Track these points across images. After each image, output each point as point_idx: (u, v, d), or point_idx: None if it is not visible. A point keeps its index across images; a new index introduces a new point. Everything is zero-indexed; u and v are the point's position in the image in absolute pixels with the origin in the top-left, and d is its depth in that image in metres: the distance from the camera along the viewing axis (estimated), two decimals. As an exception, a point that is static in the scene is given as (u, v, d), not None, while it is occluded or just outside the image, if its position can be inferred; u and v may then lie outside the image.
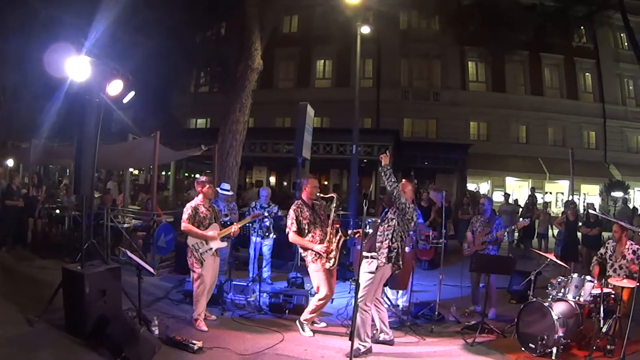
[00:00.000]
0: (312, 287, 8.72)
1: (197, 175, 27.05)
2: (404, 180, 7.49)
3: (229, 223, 8.82)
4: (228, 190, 11.01)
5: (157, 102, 25.74)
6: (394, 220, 6.91)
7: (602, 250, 8.64)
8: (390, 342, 7.19)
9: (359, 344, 6.60)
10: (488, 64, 30.91)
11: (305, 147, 12.77)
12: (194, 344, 6.32)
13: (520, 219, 15.85)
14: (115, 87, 7.47)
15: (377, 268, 6.79)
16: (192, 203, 7.86)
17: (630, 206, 22.16)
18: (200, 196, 7.92)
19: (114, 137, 16.98)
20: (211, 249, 7.71)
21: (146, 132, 12.57)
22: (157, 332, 6.58)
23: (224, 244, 8.12)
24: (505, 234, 9.71)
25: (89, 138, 7.38)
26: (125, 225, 12.36)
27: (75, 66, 6.83)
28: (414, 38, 31.18)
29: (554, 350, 6.71)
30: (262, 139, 25.86)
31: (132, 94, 7.96)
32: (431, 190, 16.42)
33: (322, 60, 34.25)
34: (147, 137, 12.65)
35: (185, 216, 7.66)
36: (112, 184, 21.32)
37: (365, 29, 15.06)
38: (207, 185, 7.95)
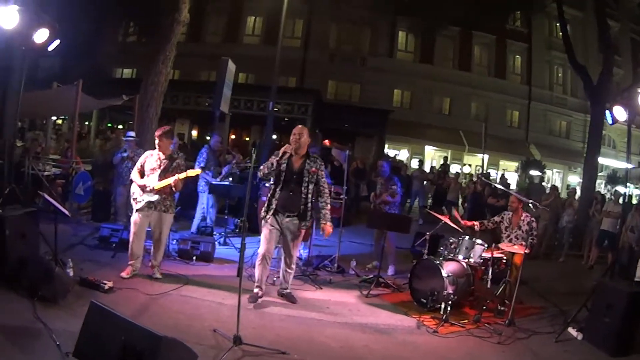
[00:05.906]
0: (220, 236, 9.29)
1: (120, 127, 26.77)
2: None
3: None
4: (133, 137, 11.27)
5: (85, 51, 25.05)
6: None
7: (497, 219, 9.04)
8: None
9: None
10: (419, 35, 31.78)
11: (224, 101, 13.17)
12: (105, 284, 6.63)
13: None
14: (41, 35, 7.42)
15: None
16: (151, 151, 7.72)
17: (545, 185, 23.10)
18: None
19: (39, 84, 16.63)
20: (142, 200, 7.49)
21: (72, 80, 12.49)
22: (71, 273, 6.85)
23: (155, 198, 7.49)
24: (398, 195, 10.13)
25: (13, 86, 7.53)
26: (46, 173, 12.33)
27: (2, 15, 6.84)
28: (347, 2, 31.13)
29: (443, 305, 7.13)
30: (185, 92, 26.02)
31: (57, 42, 7.94)
32: (333, 148, 16.80)
33: (253, 17, 33.90)
34: (70, 85, 12.64)
35: (138, 164, 7.70)
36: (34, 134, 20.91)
37: (296, -12, 15.33)
38: (163, 138, 7.58)
